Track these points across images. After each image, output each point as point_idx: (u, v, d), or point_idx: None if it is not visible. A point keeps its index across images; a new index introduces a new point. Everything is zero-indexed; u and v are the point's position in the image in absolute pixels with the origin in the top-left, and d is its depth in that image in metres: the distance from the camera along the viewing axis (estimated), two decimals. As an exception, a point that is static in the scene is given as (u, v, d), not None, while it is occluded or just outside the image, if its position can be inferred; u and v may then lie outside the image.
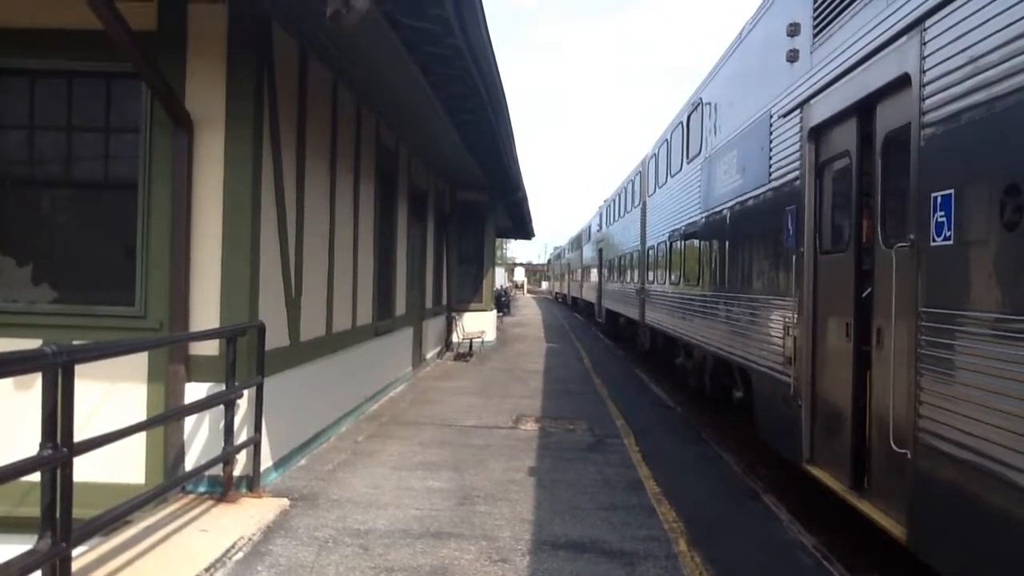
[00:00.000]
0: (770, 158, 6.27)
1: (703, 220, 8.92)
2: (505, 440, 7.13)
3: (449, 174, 14.21)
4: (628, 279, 16.80)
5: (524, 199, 18.17)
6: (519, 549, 4.27)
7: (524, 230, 27.80)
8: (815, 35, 5.33)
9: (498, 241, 31.39)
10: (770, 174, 6.28)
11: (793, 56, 5.74)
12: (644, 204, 14.58)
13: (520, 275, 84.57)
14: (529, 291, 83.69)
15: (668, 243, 11.50)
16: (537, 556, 4.17)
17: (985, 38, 3.22)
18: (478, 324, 16.31)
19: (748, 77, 7.20)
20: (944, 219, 3.50)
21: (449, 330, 15.53)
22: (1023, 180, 2.95)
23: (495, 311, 18.69)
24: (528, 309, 40.88)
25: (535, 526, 4.67)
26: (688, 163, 9.99)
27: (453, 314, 15.82)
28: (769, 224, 6.29)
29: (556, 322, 28.69)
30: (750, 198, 6.92)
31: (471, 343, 15.25)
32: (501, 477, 5.79)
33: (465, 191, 15.95)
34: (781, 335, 5.85)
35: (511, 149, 11.18)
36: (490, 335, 16.89)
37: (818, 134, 5.34)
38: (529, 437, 7.31)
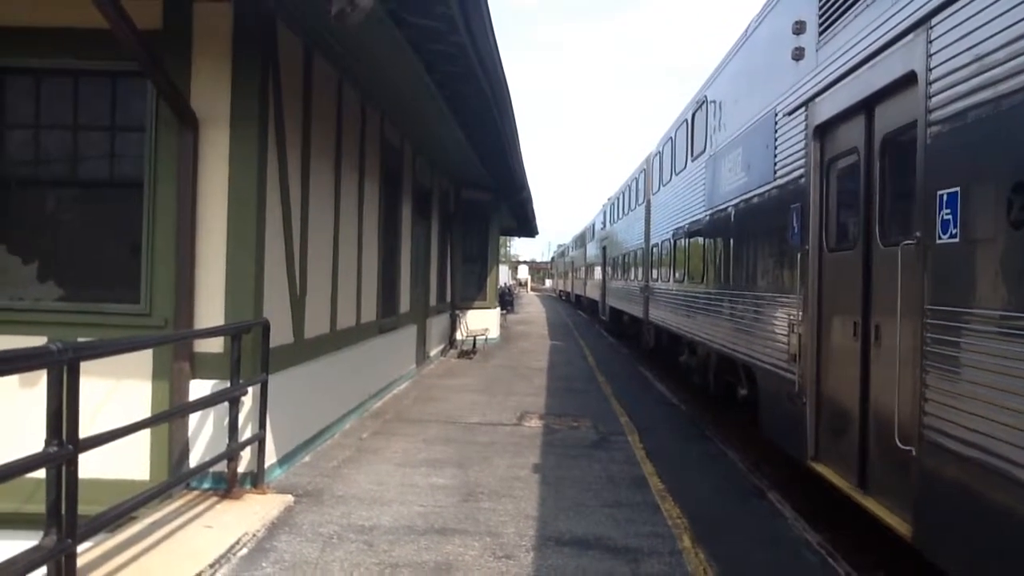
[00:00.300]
0: (775, 156, 6.25)
1: (707, 218, 8.90)
2: (509, 437, 7.13)
3: (453, 173, 14.21)
4: (632, 277, 16.78)
5: (528, 198, 18.16)
6: (523, 545, 4.28)
7: (528, 228, 27.80)
8: (820, 33, 5.32)
9: (502, 239, 31.38)
10: (775, 172, 6.26)
11: (799, 54, 5.73)
12: (648, 202, 14.56)
13: (524, 273, 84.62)
14: (533, 289, 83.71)
15: (672, 241, 11.48)
16: (541, 552, 4.17)
17: (991, 36, 3.21)
18: (482, 322, 16.33)
19: (753, 75, 7.18)
20: (950, 217, 3.49)
21: (453, 327, 15.54)
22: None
23: (499, 309, 18.70)
24: (532, 307, 40.88)
25: (539, 522, 4.68)
26: (692, 161, 9.97)
27: (457, 312, 15.83)
28: (774, 222, 6.28)
29: (560, 320, 28.69)
30: (755, 196, 6.90)
31: (475, 340, 15.26)
32: (505, 474, 5.79)
33: (469, 190, 15.95)
34: (786, 333, 5.84)
35: (516, 148, 11.16)
36: (494, 332, 16.91)
37: (823, 132, 5.32)
38: (533, 434, 7.31)
